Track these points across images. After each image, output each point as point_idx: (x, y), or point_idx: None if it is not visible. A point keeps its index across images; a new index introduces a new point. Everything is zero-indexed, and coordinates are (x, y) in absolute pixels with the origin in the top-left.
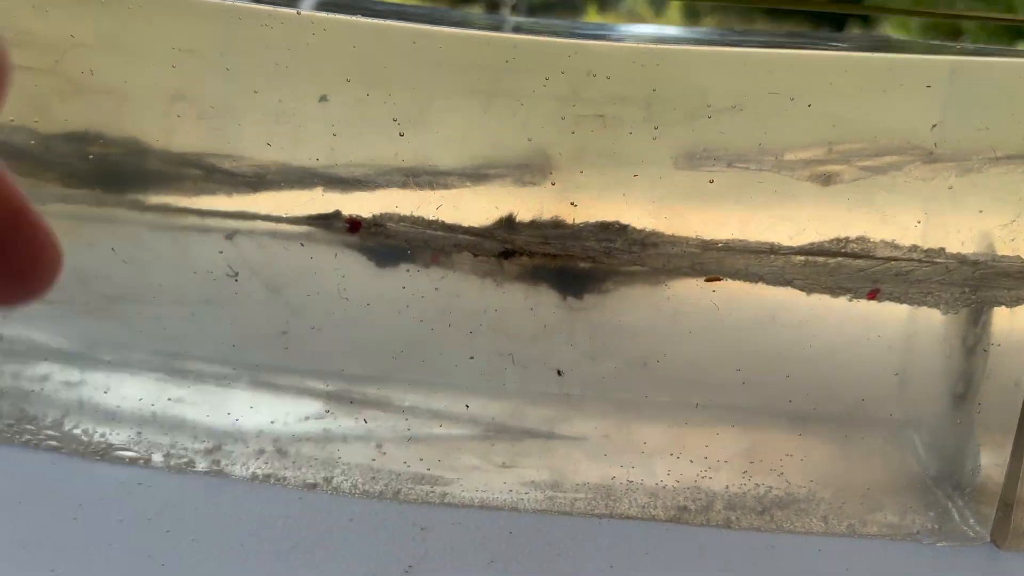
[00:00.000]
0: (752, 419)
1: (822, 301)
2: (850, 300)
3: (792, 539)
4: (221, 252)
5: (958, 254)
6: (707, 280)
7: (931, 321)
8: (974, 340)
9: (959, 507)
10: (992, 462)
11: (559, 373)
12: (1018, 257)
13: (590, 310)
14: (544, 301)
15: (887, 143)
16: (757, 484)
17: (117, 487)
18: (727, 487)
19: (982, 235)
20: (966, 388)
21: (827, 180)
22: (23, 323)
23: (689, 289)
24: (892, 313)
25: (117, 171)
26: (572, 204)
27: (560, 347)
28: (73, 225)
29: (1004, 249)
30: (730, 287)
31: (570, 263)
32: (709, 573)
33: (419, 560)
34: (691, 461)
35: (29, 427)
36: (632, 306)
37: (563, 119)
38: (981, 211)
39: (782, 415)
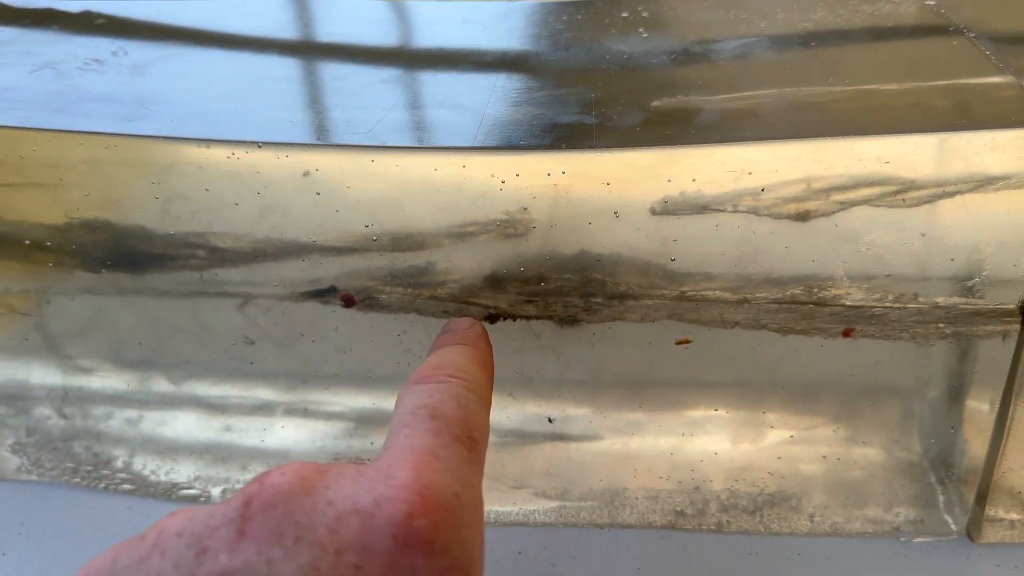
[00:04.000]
0: (746, 421)
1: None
2: (825, 339)
3: (775, 543)
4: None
5: (929, 299)
6: (677, 343)
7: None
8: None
9: (948, 496)
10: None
11: (550, 420)
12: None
13: (579, 343)
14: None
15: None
16: (751, 485)
17: None
18: (726, 488)
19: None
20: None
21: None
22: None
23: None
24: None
25: (131, 256)
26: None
27: (551, 373)
28: (104, 301)
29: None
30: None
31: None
32: None
33: None
34: (691, 468)
35: (105, 471)
36: (620, 339)
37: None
38: (953, 259)
39: (776, 406)
